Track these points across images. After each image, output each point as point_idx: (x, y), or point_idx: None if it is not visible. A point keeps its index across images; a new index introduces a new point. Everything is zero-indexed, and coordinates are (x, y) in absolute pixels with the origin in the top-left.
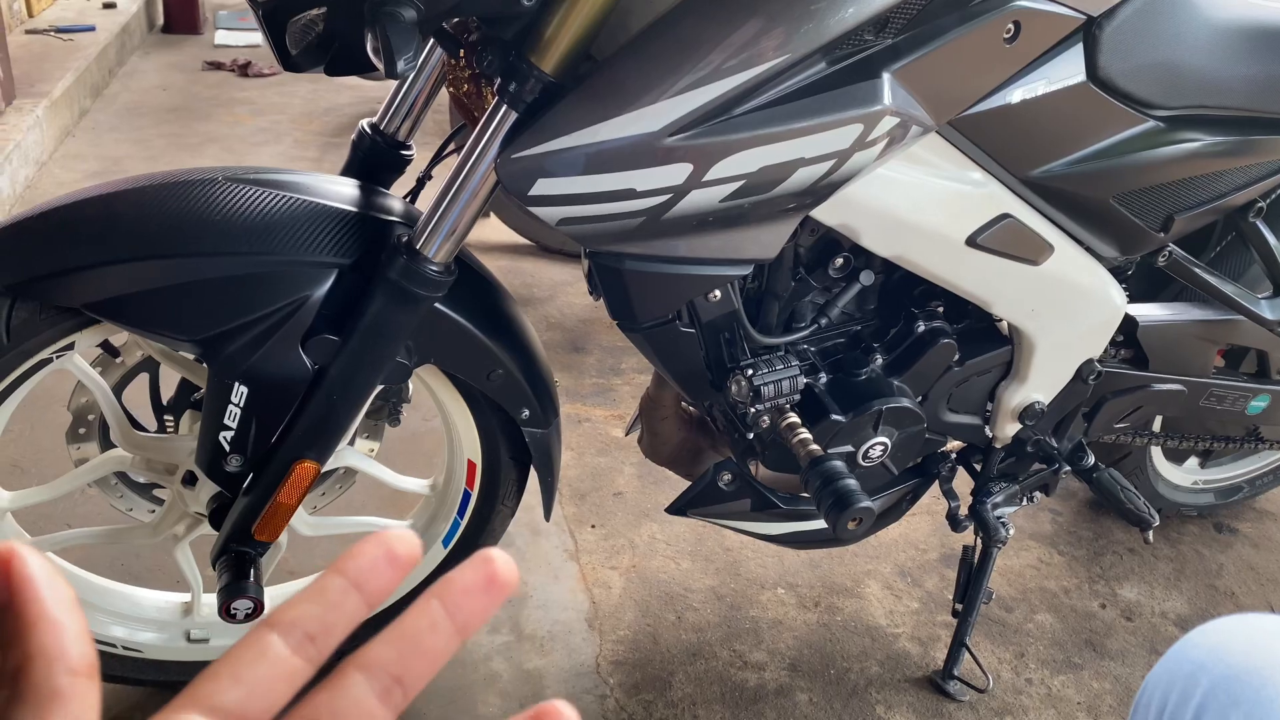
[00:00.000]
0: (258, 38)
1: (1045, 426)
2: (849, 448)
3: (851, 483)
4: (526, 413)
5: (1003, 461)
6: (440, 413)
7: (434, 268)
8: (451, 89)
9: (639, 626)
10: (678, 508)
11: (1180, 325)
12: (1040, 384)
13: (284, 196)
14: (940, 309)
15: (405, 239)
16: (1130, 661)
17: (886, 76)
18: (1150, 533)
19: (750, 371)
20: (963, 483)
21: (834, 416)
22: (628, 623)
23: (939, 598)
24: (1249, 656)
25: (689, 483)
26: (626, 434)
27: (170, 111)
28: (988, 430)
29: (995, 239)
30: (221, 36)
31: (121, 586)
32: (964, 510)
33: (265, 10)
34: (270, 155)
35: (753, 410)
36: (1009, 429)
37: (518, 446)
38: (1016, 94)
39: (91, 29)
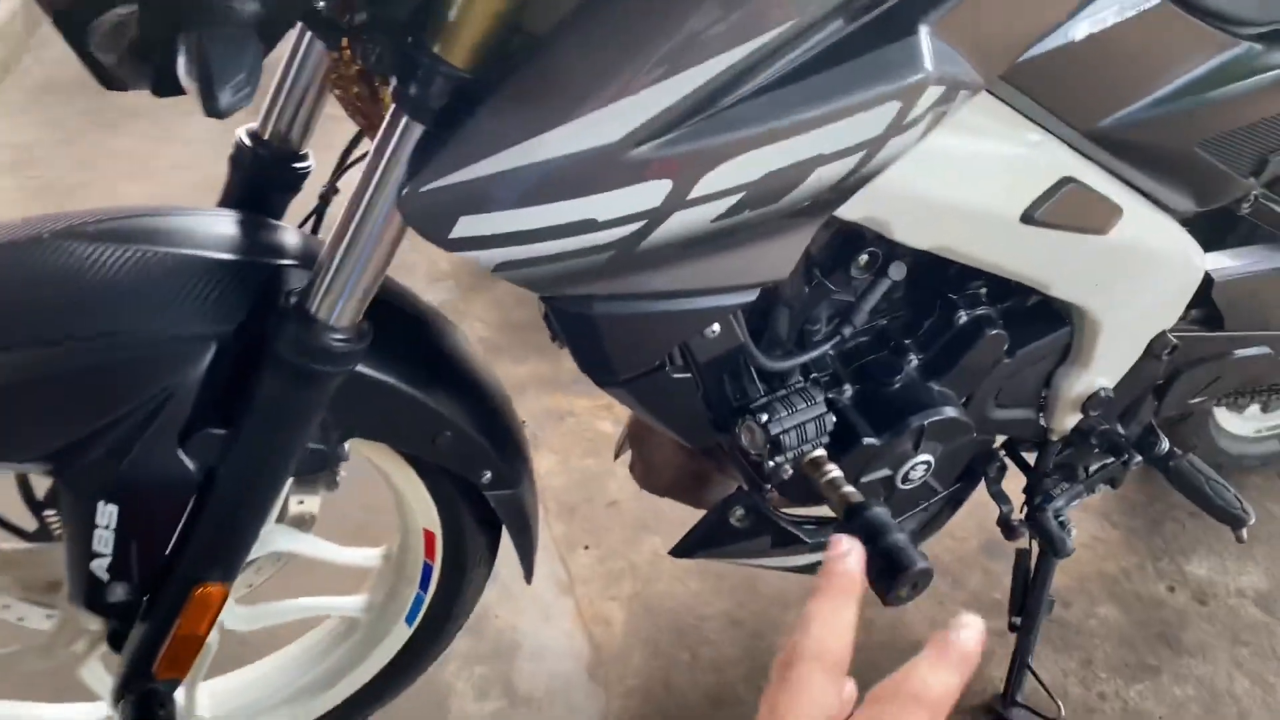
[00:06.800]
0: None
1: (1111, 413)
2: (886, 471)
3: (901, 538)
4: (488, 475)
5: (1060, 453)
6: (385, 481)
7: (337, 336)
8: (338, 91)
9: (649, 672)
10: (683, 550)
11: (1261, 276)
12: (1105, 367)
13: (136, 252)
14: (983, 291)
15: (294, 299)
16: (1212, 657)
17: (924, 31)
18: (1244, 531)
19: (765, 417)
20: (1012, 481)
21: (866, 440)
22: (635, 669)
23: (986, 598)
24: None
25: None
26: (616, 457)
27: (88, 86)
28: (1042, 421)
29: (1056, 211)
30: None
31: (30, 707)
32: (1017, 514)
33: (61, 16)
34: (203, 126)
35: (771, 464)
36: (1069, 420)
37: (485, 508)
38: (1081, 28)
39: None
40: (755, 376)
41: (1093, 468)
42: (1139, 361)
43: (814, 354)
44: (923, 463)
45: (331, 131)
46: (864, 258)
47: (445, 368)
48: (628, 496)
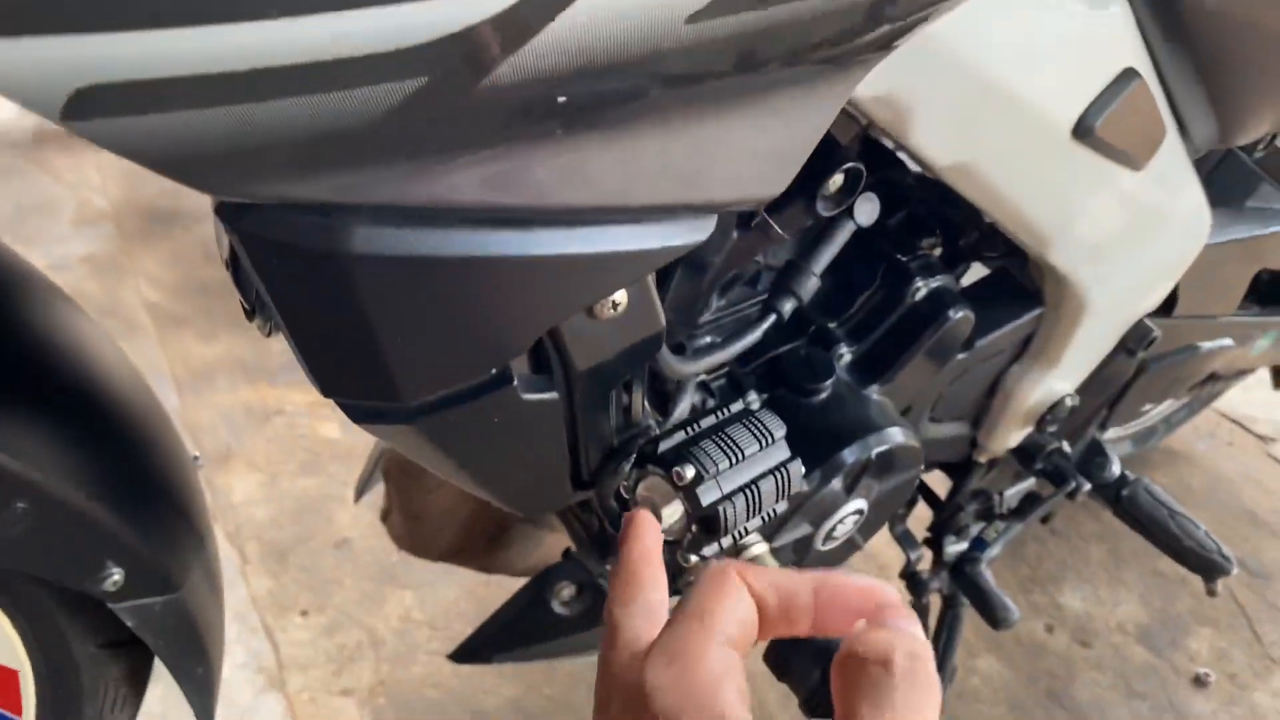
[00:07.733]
0: None
1: (1066, 429)
2: (805, 529)
3: None
4: (116, 574)
5: (983, 478)
6: None
7: None
8: None
9: None
10: (473, 653)
11: (1223, 246)
12: (1074, 365)
13: None
14: (936, 252)
15: None
16: (1109, 711)
17: None
18: (1219, 583)
19: (690, 472)
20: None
21: None
22: None
23: None
24: None
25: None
26: (358, 498)
27: None
28: (977, 438)
29: (1112, 122)
30: None
31: None
32: (926, 561)
33: None
34: None
35: (696, 557)
36: (1013, 438)
37: (117, 624)
38: None
39: None
40: (647, 390)
41: (1011, 496)
42: (1108, 358)
43: (744, 343)
44: (854, 513)
45: None
46: (838, 178)
47: (31, 372)
48: (364, 531)
